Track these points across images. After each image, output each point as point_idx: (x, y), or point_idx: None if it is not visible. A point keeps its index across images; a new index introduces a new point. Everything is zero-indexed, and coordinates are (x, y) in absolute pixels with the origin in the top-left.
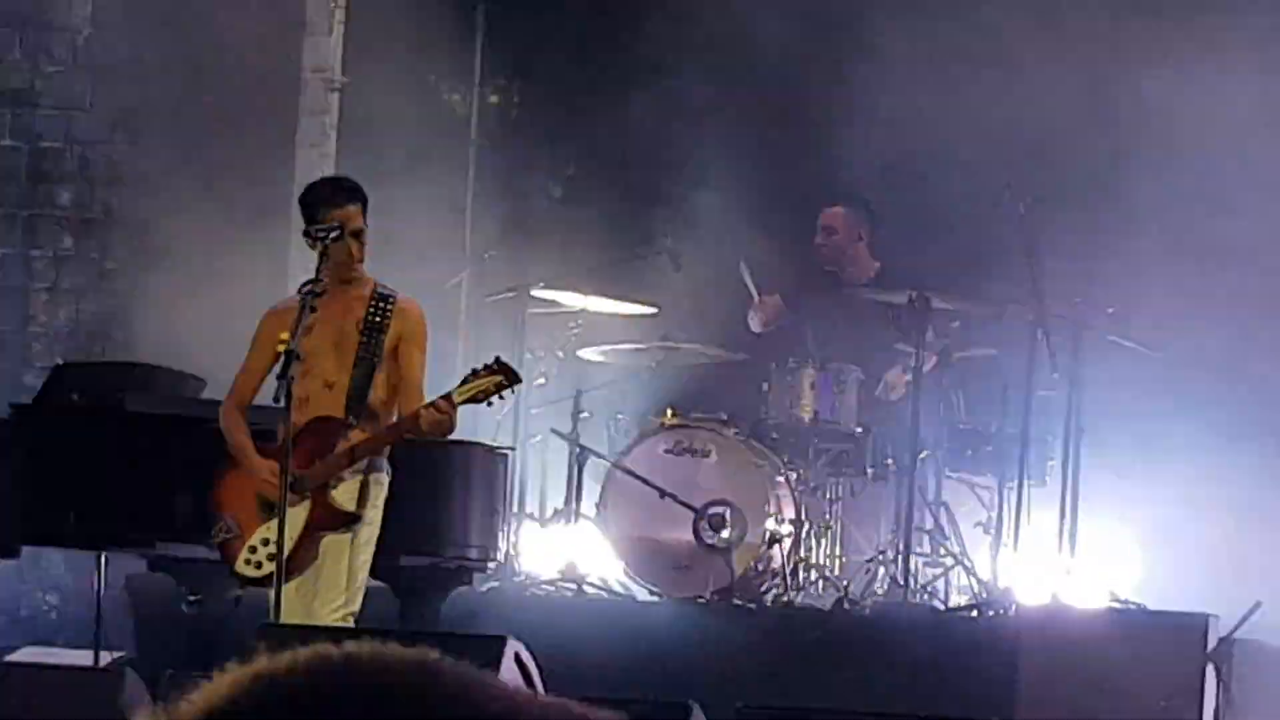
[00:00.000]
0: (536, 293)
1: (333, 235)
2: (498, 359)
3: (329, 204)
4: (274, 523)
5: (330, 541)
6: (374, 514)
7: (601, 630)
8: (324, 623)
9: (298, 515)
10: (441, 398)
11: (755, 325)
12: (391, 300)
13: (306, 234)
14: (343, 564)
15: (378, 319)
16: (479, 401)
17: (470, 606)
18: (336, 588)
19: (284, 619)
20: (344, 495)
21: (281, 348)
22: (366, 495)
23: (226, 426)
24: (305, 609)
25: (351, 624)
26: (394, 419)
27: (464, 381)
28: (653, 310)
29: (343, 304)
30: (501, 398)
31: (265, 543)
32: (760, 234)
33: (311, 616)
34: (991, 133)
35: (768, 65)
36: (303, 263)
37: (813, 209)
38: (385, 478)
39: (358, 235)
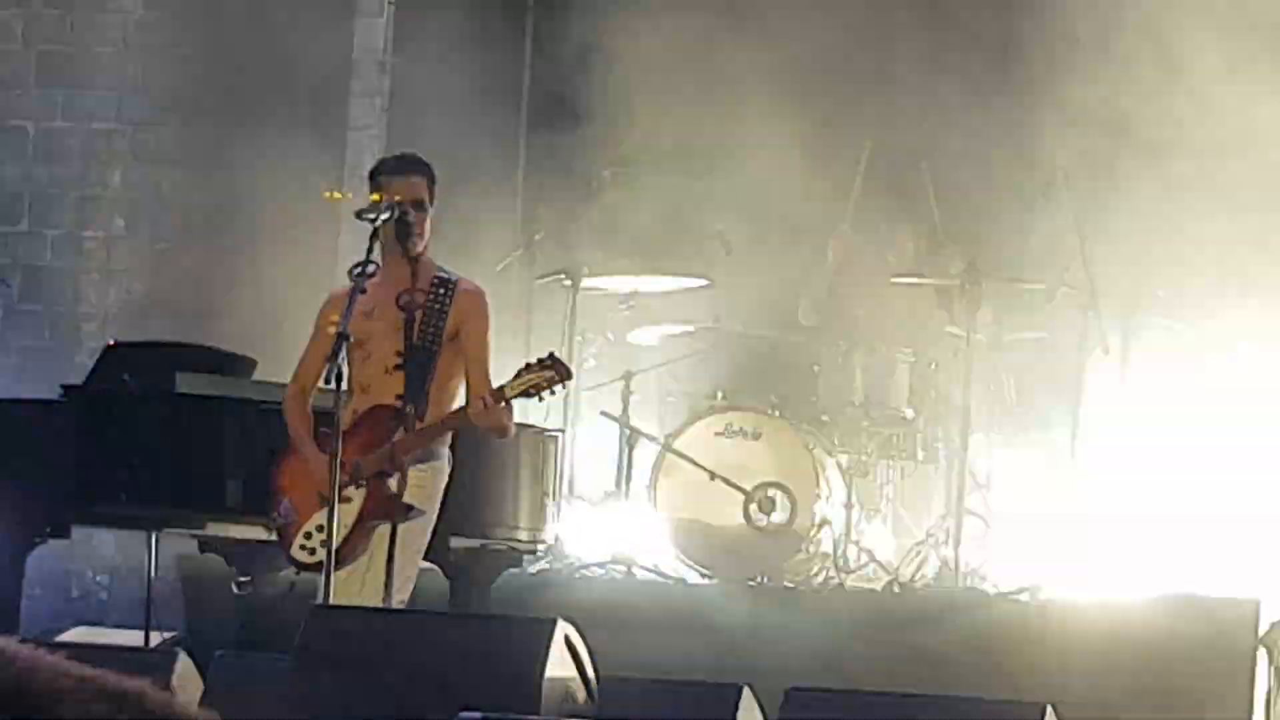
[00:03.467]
0: (587, 274)
1: (384, 216)
2: (551, 354)
3: (392, 173)
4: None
5: (403, 530)
6: (431, 505)
7: (651, 612)
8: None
9: (352, 504)
10: (491, 392)
11: (805, 317)
12: (452, 285)
13: (359, 214)
14: (409, 552)
15: (437, 305)
16: (530, 396)
17: (520, 589)
18: (404, 575)
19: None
20: (402, 486)
21: (332, 329)
22: (425, 486)
23: (288, 413)
24: (357, 597)
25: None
26: (455, 405)
27: (516, 376)
28: (705, 283)
29: (403, 286)
30: (553, 393)
31: (320, 529)
32: (810, 217)
33: (358, 603)
34: (1042, 111)
35: (818, 47)
36: (354, 244)
37: (866, 190)
38: (445, 467)
39: (419, 205)
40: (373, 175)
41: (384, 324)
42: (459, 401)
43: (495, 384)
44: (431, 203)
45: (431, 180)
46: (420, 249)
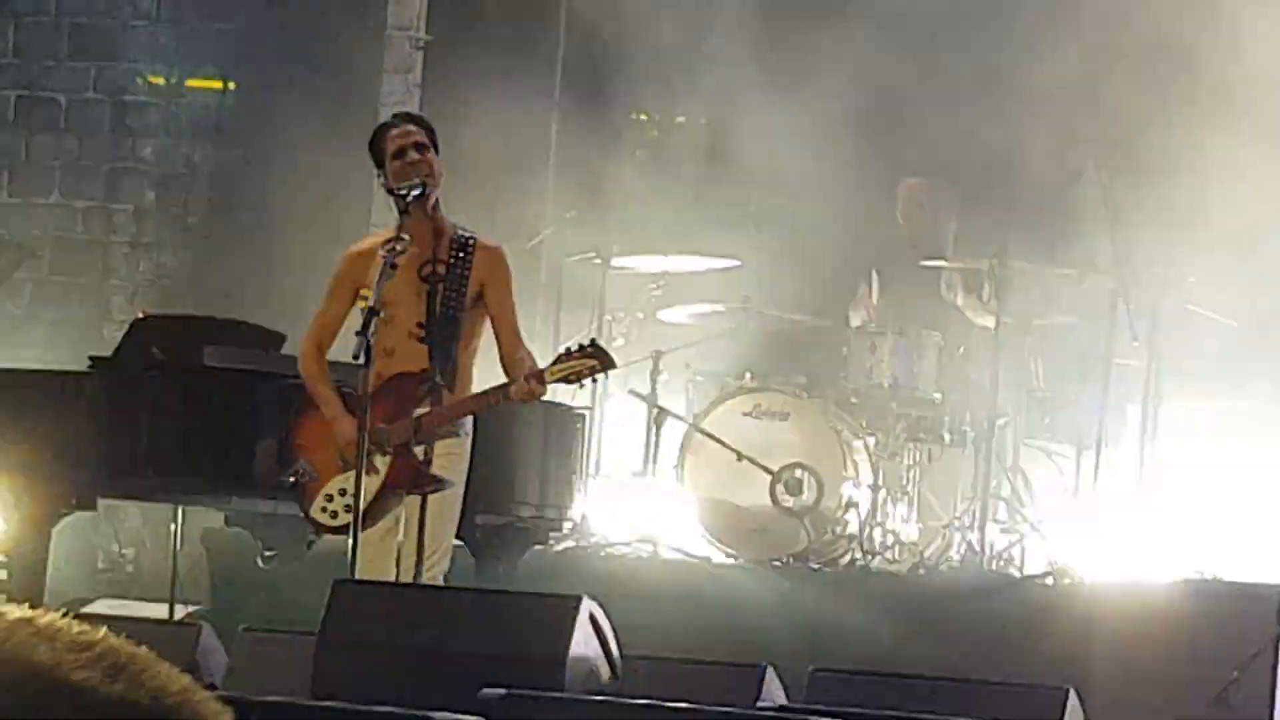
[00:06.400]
0: (617, 253)
1: (414, 193)
2: (593, 341)
3: (388, 127)
4: (352, 474)
5: (434, 501)
6: (461, 475)
7: (676, 592)
8: (422, 580)
9: (378, 473)
10: (534, 375)
11: (855, 321)
12: (472, 244)
13: (389, 190)
14: (445, 523)
15: (458, 268)
16: (570, 383)
17: (545, 566)
18: (439, 546)
19: (364, 572)
20: (432, 457)
21: (363, 304)
22: (456, 456)
23: (307, 373)
24: (387, 564)
25: (441, 583)
26: (473, 369)
27: (556, 361)
28: (735, 263)
29: (424, 249)
30: (594, 380)
31: (343, 493)
32: (841, 200)
33: (391, 572)
34: (1072, 99)
35: (853, 36)
36: (384, 220)
37: (895, 175)
38: (468, 439)
39: (420, 149)
40: (370, 147)
41: (407, 289)
42: (478, 360)
43: (532, 357)
44: (435, 150)
45: (429, 130)
46: (423, 190)
